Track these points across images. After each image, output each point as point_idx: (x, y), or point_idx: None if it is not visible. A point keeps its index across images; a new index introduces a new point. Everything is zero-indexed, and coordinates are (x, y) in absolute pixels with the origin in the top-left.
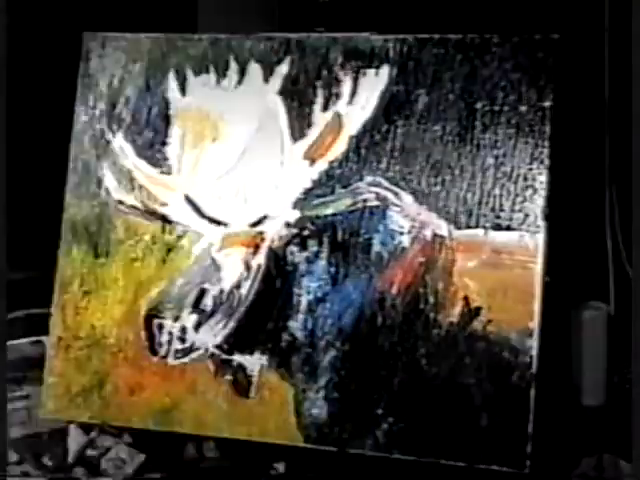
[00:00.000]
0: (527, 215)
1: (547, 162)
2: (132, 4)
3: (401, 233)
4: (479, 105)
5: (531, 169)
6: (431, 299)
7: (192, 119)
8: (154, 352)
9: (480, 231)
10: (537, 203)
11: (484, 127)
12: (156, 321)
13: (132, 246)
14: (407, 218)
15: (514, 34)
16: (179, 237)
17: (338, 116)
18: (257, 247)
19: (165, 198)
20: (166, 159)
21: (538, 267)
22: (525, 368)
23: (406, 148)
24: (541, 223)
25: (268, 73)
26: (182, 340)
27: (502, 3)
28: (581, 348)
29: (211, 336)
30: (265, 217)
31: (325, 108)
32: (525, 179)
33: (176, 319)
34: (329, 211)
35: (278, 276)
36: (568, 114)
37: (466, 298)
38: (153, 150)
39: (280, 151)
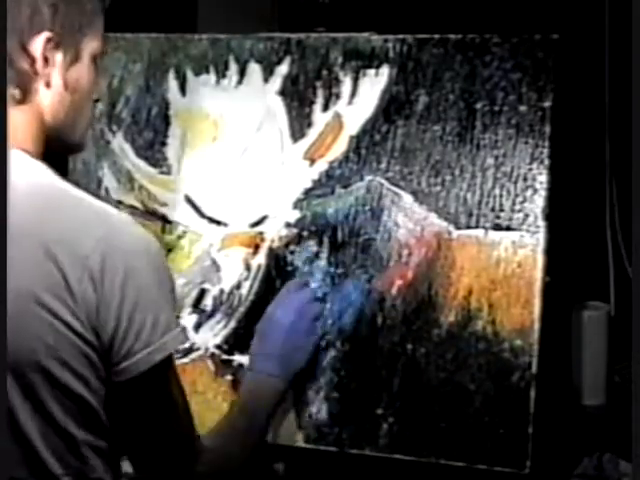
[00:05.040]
0: (527, 215)
1: (547, 162)
2: (132, 4)
3: (401, 233)
4: (479, 105)
5: (531, 169)
6: (431, 299)
7: (192, 119)
8: None
9: (480, 231)
10: (537, 203)
11: (484, 127)
12: None
13: None
14: (407, 218)
15: (514, 34)
16: (179, 237)
17: (338, 116)
18: (257, 247)
19: (165, 198)
20: (166, 159)
21: (538, 267)
22: (525, 368)
23: (406, 148)
24: (541, 223)
25: (268, 73)
26: None
27: (502, 3)
28: (581, 348)
29: (211, 336)
30: (265, 217)
31: (325, 108)
32: (525, 179)
33: None
34: (329, 211)
35: (278, 276)
36: (568, 114)
37: (466, 298)
38: (153, 150)
39: (280, 151)
